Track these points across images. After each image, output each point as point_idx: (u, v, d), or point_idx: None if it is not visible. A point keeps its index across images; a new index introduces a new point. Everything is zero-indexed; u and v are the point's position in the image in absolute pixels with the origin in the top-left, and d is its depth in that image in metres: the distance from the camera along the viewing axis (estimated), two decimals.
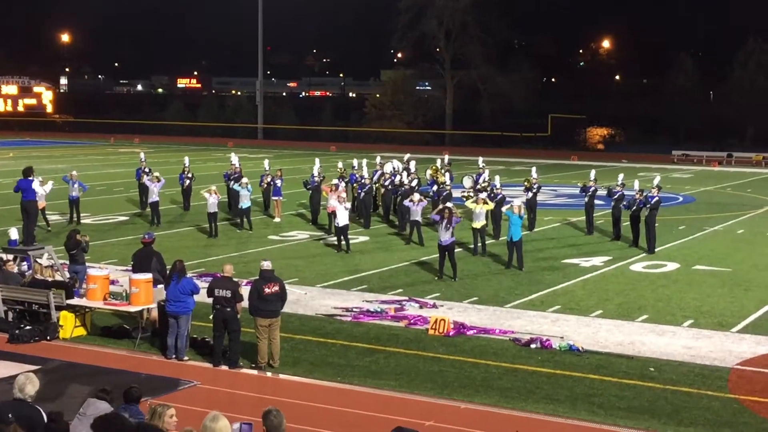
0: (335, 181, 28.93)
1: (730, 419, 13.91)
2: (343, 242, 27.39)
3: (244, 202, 30.89)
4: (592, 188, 31.18)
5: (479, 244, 27.07)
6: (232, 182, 33.02)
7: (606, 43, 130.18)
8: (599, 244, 29.48)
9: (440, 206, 25.24)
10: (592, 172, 32.91)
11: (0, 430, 8.57)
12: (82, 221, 31.78)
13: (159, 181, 32.07)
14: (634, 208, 28.37)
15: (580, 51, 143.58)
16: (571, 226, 33.09)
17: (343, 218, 27.24)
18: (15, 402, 9.47)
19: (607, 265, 25.80)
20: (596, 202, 31.66)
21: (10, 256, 20.86)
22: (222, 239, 29.37)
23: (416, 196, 29.46)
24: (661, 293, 22.29)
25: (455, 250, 24.32)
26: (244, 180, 31.67)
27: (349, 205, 27.87)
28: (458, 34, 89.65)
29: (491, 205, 27.61)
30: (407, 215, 31.63)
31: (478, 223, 26.73)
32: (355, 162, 36.36)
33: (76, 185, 31.89)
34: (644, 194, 28.24)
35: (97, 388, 10.64)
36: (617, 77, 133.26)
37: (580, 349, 17.19)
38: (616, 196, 29.86)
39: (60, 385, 14.92)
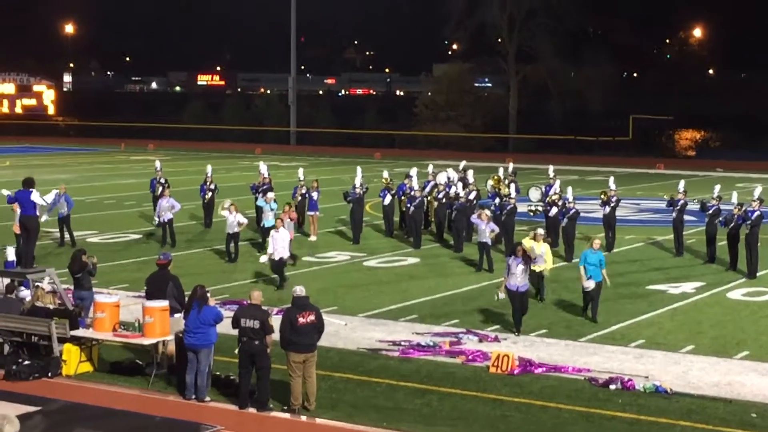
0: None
1: None
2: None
3: (268, 220, 30.32)
4: (682, 201, 30.96)
5: (543, 289, 24.50)
6: (260, 195, 32.83)
7: (697, 32, 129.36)
8: (690, 267, 29.27)
9: (517, 247, 21.98)
10: (682, 183, 32.71)
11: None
12: (88, 239, 32.11)
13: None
14: (732, 224, 28.12)
15: (667, 41, 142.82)
16: (656, 246, 32.90)
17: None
18: None
19: (699, 292, 25.61)
20: (686, 217, 31.45)
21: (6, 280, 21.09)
22: (248, 261, 29.45)
23: (486, 212, 28.72)
24: (763, 325, 22.07)
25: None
26: (270, 195, 31.32)
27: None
28: (524, 22, 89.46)
29: (551, 260, 24.52)
30: (465, 233, 31.54)
31: (538, 266, 23.43)
32: (413, 171, 35.00)
33: (62, 200, 30.96)
34: (744, 209, 27.99)
35: None
36: (710, 71, 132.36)
37: (669, 390, 17.07)
38: (710, 211, 29.62)
39: (63, 429, 15.09)
